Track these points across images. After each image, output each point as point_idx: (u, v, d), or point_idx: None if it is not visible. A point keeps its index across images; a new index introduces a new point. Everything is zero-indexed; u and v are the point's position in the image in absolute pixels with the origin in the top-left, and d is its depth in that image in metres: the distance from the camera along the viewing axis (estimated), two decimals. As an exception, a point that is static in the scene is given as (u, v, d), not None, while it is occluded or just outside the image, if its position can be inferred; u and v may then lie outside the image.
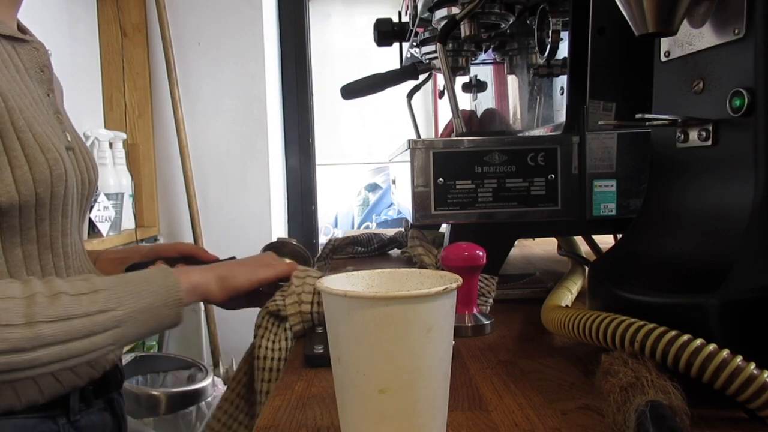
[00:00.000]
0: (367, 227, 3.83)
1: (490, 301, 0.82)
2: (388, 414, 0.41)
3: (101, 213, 1.74)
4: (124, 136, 2.03)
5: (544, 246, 1.35)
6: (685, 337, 0.46)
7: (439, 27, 1.02)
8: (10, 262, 0.66)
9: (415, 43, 1.23)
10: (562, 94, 1.01)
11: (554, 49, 0.96)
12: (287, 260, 0.83)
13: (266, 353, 0.71)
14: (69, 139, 0.75)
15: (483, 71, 1.45)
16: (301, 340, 0.74)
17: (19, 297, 0.55)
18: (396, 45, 1.30)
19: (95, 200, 1.71)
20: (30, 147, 0.65)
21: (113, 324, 0.59)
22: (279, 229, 2.26)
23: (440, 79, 1.33)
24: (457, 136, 0.94)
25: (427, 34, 1.16)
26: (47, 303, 0.56)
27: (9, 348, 0.54)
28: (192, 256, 0.89)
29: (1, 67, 0.68)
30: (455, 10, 0.99)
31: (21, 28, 0.78)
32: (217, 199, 2.16)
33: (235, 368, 2.04)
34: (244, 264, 0.76)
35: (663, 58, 0.64)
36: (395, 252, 1.31)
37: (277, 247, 0.89)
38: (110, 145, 1.93)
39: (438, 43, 0.94)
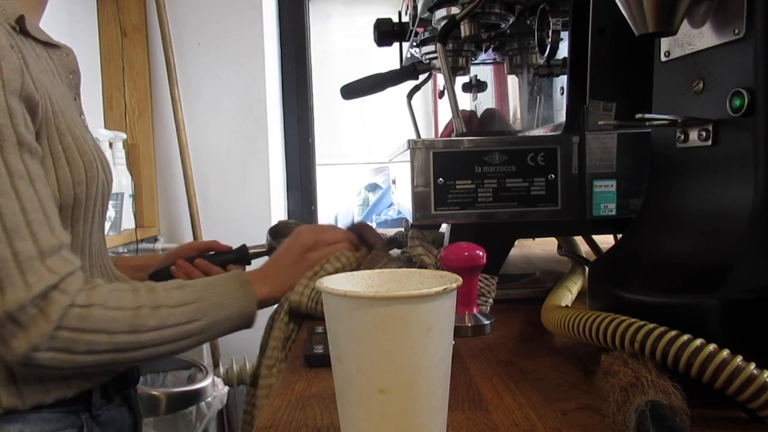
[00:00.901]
0: (367, 227, 3.82)
1: (490, 301, 0.82)
2: (388, 414, 0.41)
3: (101, 213, 1.74)
4: (124, 136, 2.03)
5: (544, 246, 1.35)
6: (685, 337, 0.46)
7: (439, 27, 1.02)
8: None
9: (415, 43, 1.23)
10: (562, 94, 1.01)
11: (554, 49, 0.96)
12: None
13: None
14: (91, 140, 0.77)
15: (483, 71, 1.45)
16: (301, 340, 0.74)
17: (128, 308, 0.66)
18: (396, 45, 1.30)
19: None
20: (70, 149, 0.69)
21: (198, 331, 0.70)
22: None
23: (440, 79, 1.33)
24: (457, 136, 0.94)
25: (427, 34, 1.16)
26: (149, 315, 0.67)
27: (114, 349, 0.65)
28: (208, 249, 0.96)
29: (44, 71, 0.71)
30: (455, 10, 0.99)
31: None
32: (217, 199, 2.16)
33: (235, 368, 2.04)
34: (303, 263, 0.82)
35: (663, 58, 0.64)
36: (395, 252, 1.31)
37: (281, 230, 0.91)
38: (110, 145, 1.93)
39: (438, 43, 0.94)
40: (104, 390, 0.77)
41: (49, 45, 0.76)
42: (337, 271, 0.80)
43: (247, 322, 0.76)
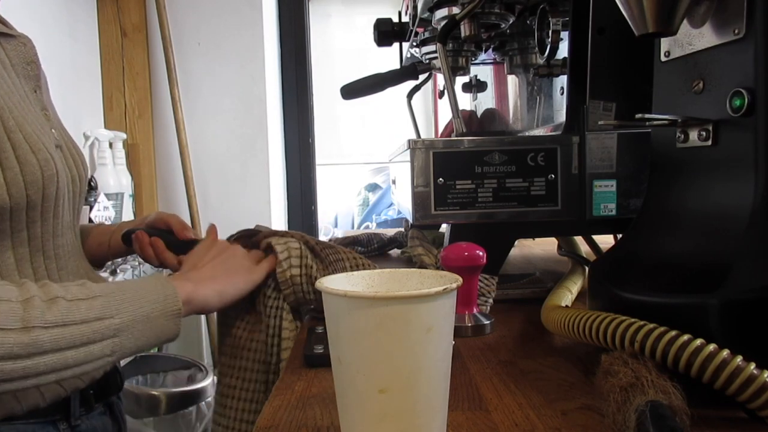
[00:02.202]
0: (367, 227, 3.83)
1: (490, 301, 0.82)
2: (388, 414, 0.41)
3: (101, 213, 1.74)
4: (124, 136, 2.03)
5: (544, 246, 1.35)
6: (685, 337, 0.46)
7: (439, 27, 1.02)
8: (1, 266, 0.65)
9: (415, 43, 1.23)
10: (562, 94, 1.01)
11: (554, 49, 0.96)
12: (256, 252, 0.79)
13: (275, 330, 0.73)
14: (56, 136, 0.72)
15: (483, 71, 1.45)
16: (301, 340, 0.74)
17: (15, 300, 0.52)
18: (396, 45, 1.30)
19: (95, 200, 1.71)
20: (20, 148, 0.62)
21: (111, 333, 0.57)
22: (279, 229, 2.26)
23: (440, 79, 1.33)
24: (457, 136, 0.94)
25: (427, 34, 1.16)
26: (44, 307, 0.53)
27: (4, 354, 0.50)
28: (170, 231, 0.85)
29: None
30: (455, 10, 0.99)
31: (2, 21, 0.74)
32: (217, 199, 2.16)
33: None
34: (233, 270, 0.72)
35: (663, 58, 0.64)
36: (395, 252, 1.31)
37: (249, 236, 0.85)
38: (110, 145, 1.93)
39: (438, 43, 0.94)
40: (84, 397, 0.72)
41: (1, 35, 0.70)
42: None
43: (175, 325, 0.63)
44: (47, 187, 0.65)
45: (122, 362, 0.92)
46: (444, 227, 1.14)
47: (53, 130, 0.72)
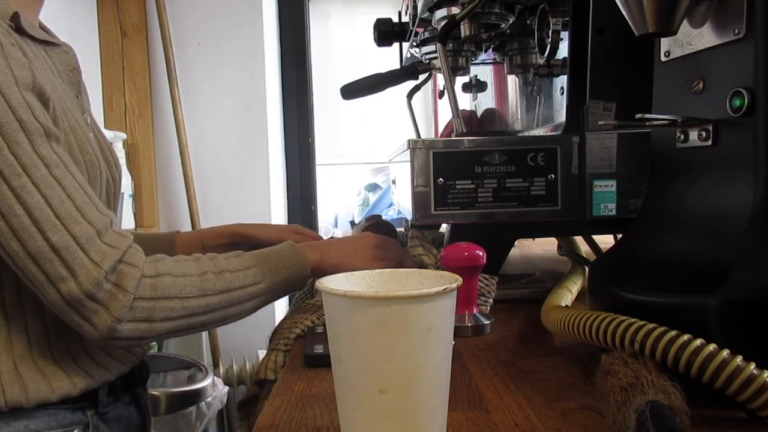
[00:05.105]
0: (367, 227, 3.82)
1: (490, 301, 0.82)
2: (388, 414, 0.41)
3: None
4: (124, 136, 2.03)
5: (544, 246, 1.35)
6: (685, 337, 0.46)
7: (439, 27, 1.02)
8: None
9: (415, 43, 1.23)
10: (562, 94, 1.02)
11: (554, 49, 0.96)
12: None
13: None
14: (93, 139, 0.77)
15: (483, 71, 1.45)
16: (301, 340, 0.75)
17: (194, 275, 0.69)
18: (396, 45, 1.30)
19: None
20: (73, 149, 0.69)
21: (259, 293, 0.74)
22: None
23: (440, 79, 1.33)
24: (457, 136, 0.94)
25: (427, 34, 1.16)
26: (215, 279, 0.70)
27: (188, 314, 0.68)
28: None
29: (42, 69, 0.70)
30: (455, 10, 0.99)
31: (46, 31, 0.79)
32: (217, 199, 2.16)
33: (235, 368, 2.04)
34: (362, 254, 0.83)
35: (663, 58, 0.64)
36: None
37: (372, 228, 0.94)
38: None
39: (438, 43, 0.94)
40: (111, 388, 0.78)
41: (47, 43, 0.76)
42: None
43: (301, 285, 0.80)
44: (93, 186, 0.71)
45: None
46: (444, 227, 1.14)
47: (91, 133, 0.77)
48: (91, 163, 0.72)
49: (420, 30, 1.17)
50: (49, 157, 0.63)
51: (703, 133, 0.58)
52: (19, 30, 0.69)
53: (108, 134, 1.90)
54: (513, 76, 1.28)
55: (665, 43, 0.64)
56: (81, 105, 0.79)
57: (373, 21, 1.27)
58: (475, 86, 1.46)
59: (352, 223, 1.03)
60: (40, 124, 0.63)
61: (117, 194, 0.83)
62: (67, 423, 0.72)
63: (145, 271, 0.66)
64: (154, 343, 2.01)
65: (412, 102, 1.36)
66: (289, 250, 0.79)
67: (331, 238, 0.89)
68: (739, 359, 0.44)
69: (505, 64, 1.24)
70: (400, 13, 1.28)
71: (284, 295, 0.79)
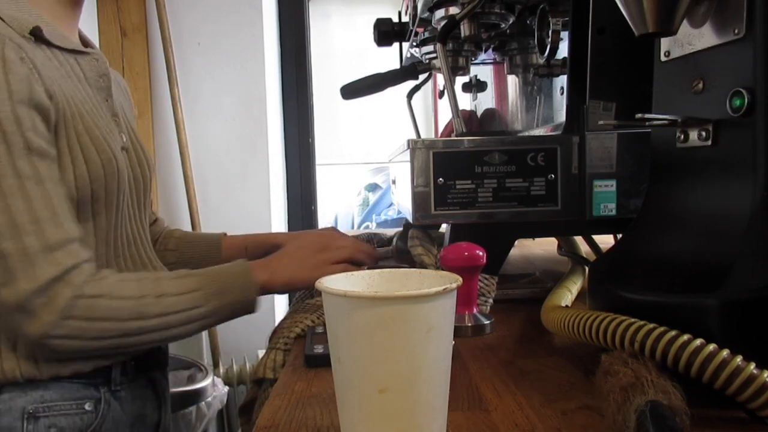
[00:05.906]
0: (367, 227, 3.83)
1: (490, 301, 0.82)
2: (388, 414, 0.41)
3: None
4: (124, 136, 2.03)
5: (544, 246, 1.35)
6: (685, 337, 0.46)
7: (439, 27, 1.02)
8: None
9: (415, 43, 1.23)
10: (562, 94, 1.01)
11: (554, 49, 0.96)
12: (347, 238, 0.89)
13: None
14: (124, 140, 0.83)
15: (483, 71, 1.45)
16: (301, 340, 0.75)
17: (133, 298, 0.71)
18: (396, 45, 1.30)
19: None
20: (87, 148, 0.73)
21: (200, 317, 0.75)
22: (279, 230, 2.26)
23: (440, 79, 1.33)
24: (457, 136, 0.94)
25: (427, 34, 1.16)
26: (153, 303, 0.71)
27: (122, 334, 0.71)
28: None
29: (65, 77, 0.75)
30: (455, 10, 0.99)
31: (83, 39, 0.86)
32: (217, 199, 2.16)
33: (235, 368, 2.04)
34: (311, 263, 0.83)
35: (663, 58, 0.64)
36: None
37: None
38: (110, 145, 1.93)
39: (438, 43, 0.94)
40: (125, 368, 0.81)
41: (77, 52, 0.80)
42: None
43: (248, 309, 0.79)
44: (109, 183, 0.75)
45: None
46: (444, 227, 1.14)
47: (122, 134, 0.83)
48: (108, 161, 0.75)
49: (420, 30, 1.17)
50: (24, 169, 0.67)
51: (703, 133, 0.58)
52: (43, 41, 0.74)
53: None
54: (513, 76, 1.28)
55: (665, 43, 0.64)
56: (111, 108, 0.83)
57: (373, 21, 1.27)
58: (475, 86, 1.46)
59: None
60: (25, 137, 0.67)
61: (145, 190, 0.87)
62: (80, 396, 0.76)
63: (85, 291, 0.68)
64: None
65: (412, 102, 1.36)
66: (240, 270, 0.79)
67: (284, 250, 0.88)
68: (739, 359, 0.44)
69: (505, 64, 1.24)
70: (400, 13, 1.28)
71: (232, 318, 0.79)
